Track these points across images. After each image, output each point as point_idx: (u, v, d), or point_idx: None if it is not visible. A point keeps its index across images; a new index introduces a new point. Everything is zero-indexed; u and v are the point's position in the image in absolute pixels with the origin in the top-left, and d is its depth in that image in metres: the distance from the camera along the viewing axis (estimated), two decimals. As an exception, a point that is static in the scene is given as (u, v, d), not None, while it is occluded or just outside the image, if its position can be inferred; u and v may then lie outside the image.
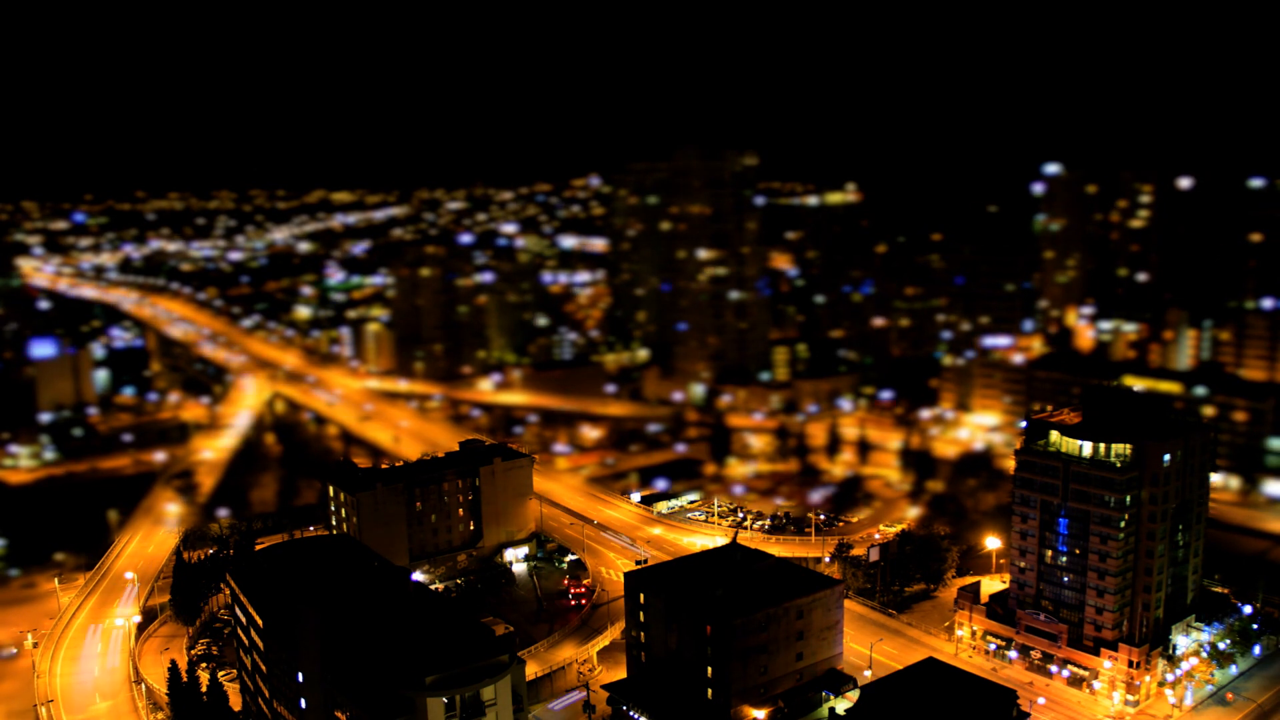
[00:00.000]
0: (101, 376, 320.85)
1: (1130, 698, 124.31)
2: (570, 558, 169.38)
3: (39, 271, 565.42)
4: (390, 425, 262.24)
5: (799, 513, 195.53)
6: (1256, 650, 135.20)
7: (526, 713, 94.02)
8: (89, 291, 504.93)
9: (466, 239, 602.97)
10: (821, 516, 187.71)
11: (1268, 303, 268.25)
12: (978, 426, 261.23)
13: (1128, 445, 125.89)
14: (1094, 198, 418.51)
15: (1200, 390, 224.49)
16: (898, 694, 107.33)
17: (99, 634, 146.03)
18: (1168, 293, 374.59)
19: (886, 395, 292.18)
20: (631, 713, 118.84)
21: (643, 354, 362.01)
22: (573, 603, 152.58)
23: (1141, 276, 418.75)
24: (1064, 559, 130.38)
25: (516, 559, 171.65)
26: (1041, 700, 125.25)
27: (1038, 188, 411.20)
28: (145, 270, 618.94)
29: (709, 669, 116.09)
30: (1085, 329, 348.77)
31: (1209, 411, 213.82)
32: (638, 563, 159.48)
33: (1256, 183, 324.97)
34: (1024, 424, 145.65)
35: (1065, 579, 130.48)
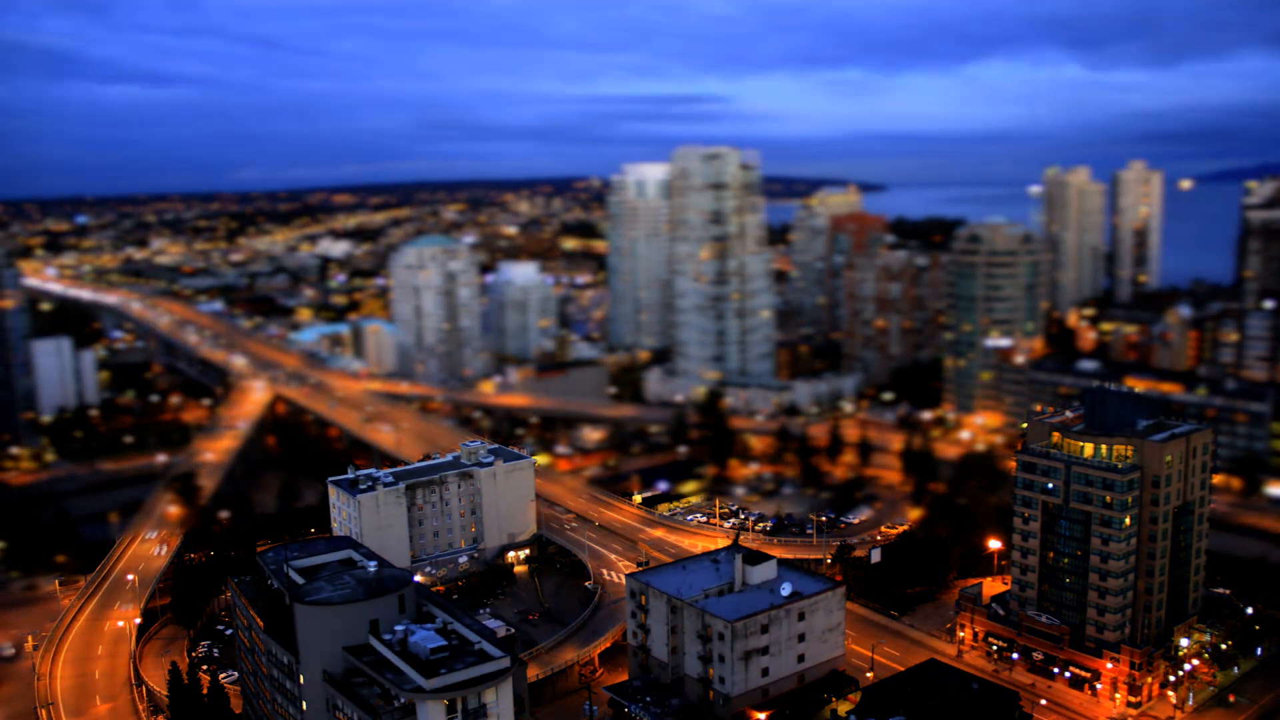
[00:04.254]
0: (102, 378, 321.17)
1: (1132, 699, 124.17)
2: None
3: (40, 273, 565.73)
4: (392, 427, 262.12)
5: (801, 514, 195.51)
6: (1258, 652, 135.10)
7: (528, 715, 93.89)
8: (90, 293, 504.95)
9: (469, 239, 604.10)
10: (823, 518, 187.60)
11: (1268, 303, 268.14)
12: (979, 428, 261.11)
13: (1129, 446, 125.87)
14: (1095, 198, 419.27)
15: (1200, 390, 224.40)
16: (899, 695, 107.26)
17: (99, 636, 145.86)
18: (1168, 293, 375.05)
19: (888, 397, 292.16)
20: (633, 715, 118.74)
21: (644, 355, 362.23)
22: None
23: (1142, 277, 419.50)
24: (1065, 560, 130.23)
25: (518, 561, 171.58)
26: (1044, 702, 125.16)
27: (1037, 188, 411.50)
28: (146, 271, 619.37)
29: (710, 671, 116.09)
30: (1087, 330, 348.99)
31: (1210, 412, 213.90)
32: (639, 564, 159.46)
33: (1255, 183, 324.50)
34: (1025, 425, 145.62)
35: (1067, 580, 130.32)
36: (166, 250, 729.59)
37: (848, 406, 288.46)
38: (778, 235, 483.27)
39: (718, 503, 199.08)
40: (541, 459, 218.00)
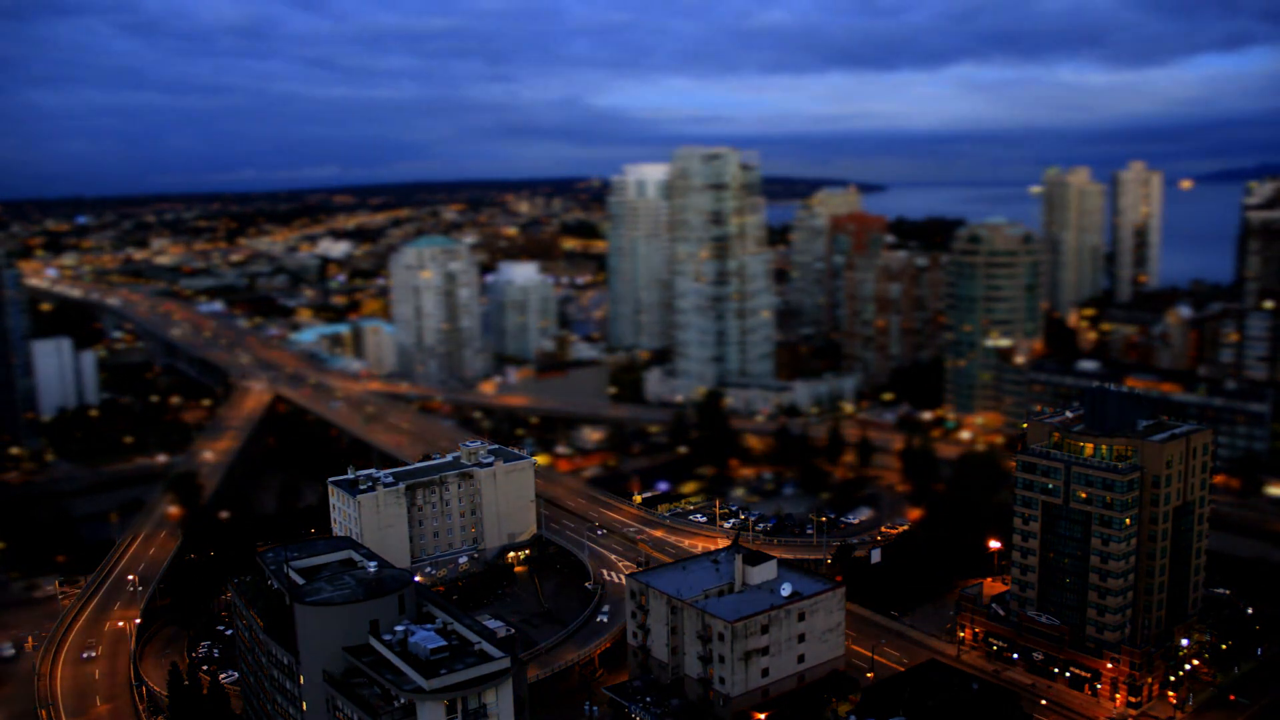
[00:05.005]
0: (102, 378, 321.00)
1: (1133, 699, 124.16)
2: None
3: (40, 273, 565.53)
4: (392, 428, 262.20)
5: (801, 514, 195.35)
6: (1258, 652, 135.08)
7: (528, 716, 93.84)
8: (90, 293, 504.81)
9: (469, 239, 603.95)
10: (823, 518, 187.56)
11: (1268, 303, 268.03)
12: (979, 428, 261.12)
13: (1129, 446, 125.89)
14: (1095, 198, 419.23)
15: (1200, 390, 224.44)
16: (900, 696, 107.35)
17: (100, 636, 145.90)
18: (1168, 293, 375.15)
19: (888, 397, 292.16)
20: (633, 715, 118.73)
21: (644, 355, 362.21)
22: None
23: (1142, 277, 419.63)
24: (1065, 560, 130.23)
25: (518, 561, 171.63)
26: (1044, 702, 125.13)
27: (1037, 188, 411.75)
28: (146, 272, 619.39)
29: (710, 671, 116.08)
30: (1087, 330, 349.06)
31: (1210, 412, 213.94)
32: (639, 564, 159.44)
33: (1255, 183, 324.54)
34: (1025, 425, 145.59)
35: (1067, 580, 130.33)
36: (166, 250, 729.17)
37: (848, 406, 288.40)
38: (778, 235, 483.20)
39: (718, 503, 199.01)
40: (541, 459, 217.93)
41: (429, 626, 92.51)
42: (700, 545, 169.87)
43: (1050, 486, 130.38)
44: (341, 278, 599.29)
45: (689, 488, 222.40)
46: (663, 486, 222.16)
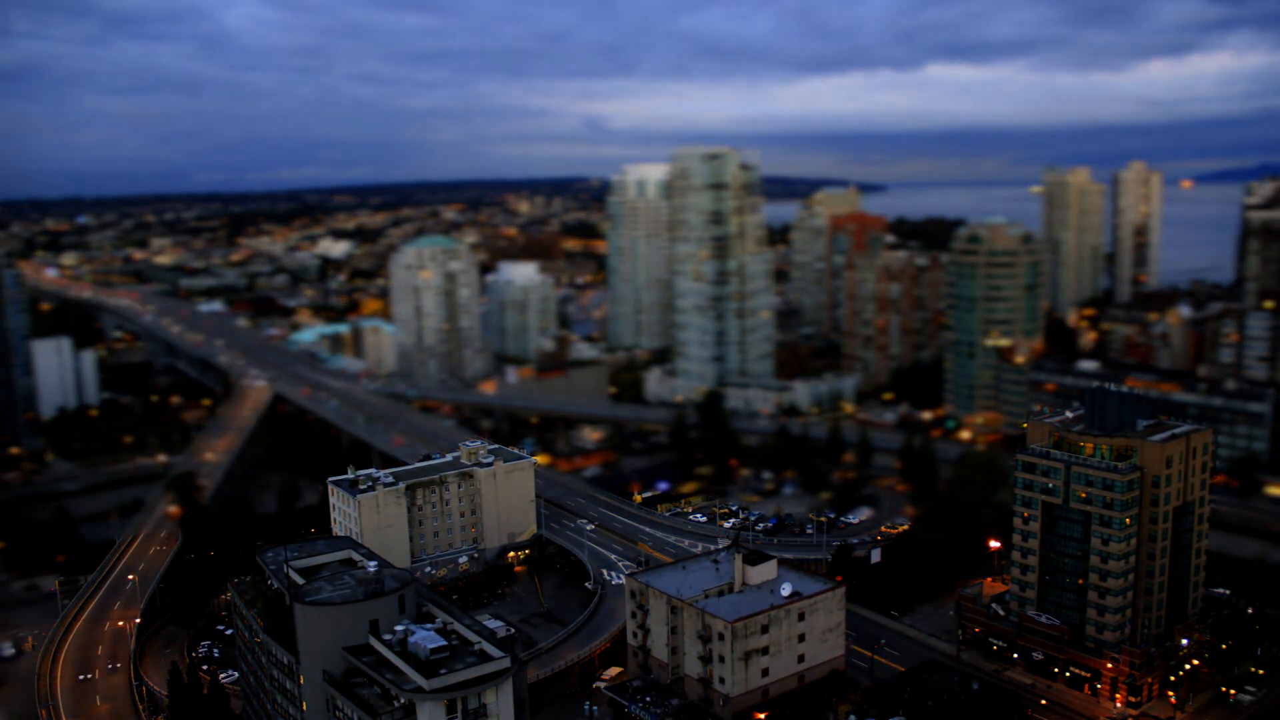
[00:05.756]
0: (102, 378, 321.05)
1: (1132, 699, 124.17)
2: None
3: (40, 273, 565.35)
4: (392, 428, 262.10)
5: (801, 514, 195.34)
6: (1258, 652, 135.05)
7: (528, 715, 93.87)
8: (90, 293, 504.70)
9: (469, 240, 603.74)
10: (823, 518, 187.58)
11: (1269, 303, 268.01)
12: (979, 428, 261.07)
13: (1129, 445, 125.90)
14: (1095, 198, 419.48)
15: (1201, 390, 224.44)
16: (900, 696, 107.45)
17: (99, 636, 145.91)
18: (1168, 293, 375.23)
19: (888, 397, 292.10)
20: (633, 714, 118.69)
21: (644, 355, 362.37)
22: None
23: (1142, 277, 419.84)
24: (1065, 560, 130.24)
25: (518, 561, 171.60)
26: (1043, 702, 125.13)
27: (1037, 188, 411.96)
28: (146, 272, 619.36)
29: (710, 671, 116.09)
30: (1087, 330, 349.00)
31: (1210, 412, 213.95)
32: (639, 564, 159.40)
33: (1256, 183, 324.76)
34: (1025, 425, 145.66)
35: (1067, 580, 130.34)
36: (166, 250, 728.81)
37: (848, 406, 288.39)
38: (778, 235, 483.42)
39: (717, 503, 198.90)
40: (541, 459, 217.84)
41: (429, 626, 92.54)
42: (700, 545, 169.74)
43: (1050, 486, 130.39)
44: (341, 278, 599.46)
45: (689, 488, 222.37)
46: (663, 486, 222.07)
